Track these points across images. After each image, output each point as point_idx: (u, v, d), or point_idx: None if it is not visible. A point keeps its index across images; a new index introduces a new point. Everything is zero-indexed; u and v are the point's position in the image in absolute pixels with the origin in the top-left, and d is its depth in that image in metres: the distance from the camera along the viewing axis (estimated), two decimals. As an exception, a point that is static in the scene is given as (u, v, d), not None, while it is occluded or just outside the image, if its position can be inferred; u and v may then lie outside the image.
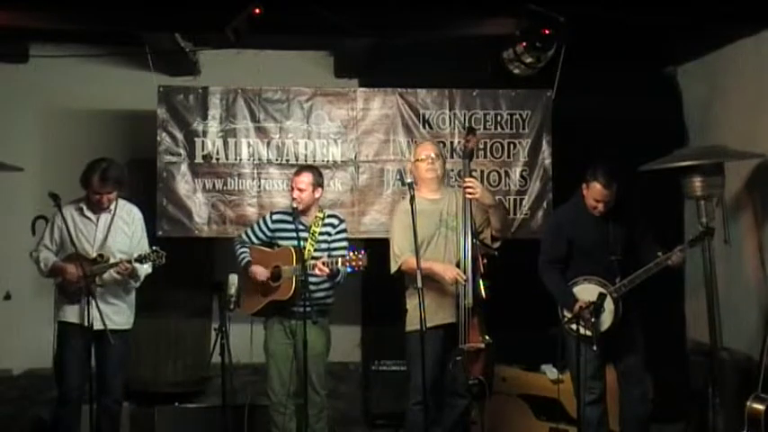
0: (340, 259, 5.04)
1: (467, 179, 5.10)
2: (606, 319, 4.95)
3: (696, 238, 5.07)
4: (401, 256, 5.06)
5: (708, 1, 5.32)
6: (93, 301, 4.86)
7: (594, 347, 4.91)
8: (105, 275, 5.07)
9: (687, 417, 5.99)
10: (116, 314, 5.16)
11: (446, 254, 5.09)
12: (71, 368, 5.08)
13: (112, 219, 5.16)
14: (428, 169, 5.16)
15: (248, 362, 5.45)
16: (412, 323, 5.03)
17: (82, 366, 5.06)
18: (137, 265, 5.05)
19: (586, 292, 4.99)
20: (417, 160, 5.23)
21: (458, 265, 5.02)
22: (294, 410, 5.29)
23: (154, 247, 5.08)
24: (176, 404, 5.93)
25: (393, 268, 5.13)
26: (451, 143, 6.12)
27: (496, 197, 5.92)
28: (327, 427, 5.35)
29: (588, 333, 4.92)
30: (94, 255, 5.08)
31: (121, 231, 5.19)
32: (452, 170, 5.93)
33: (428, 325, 4.82)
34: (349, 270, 5.06)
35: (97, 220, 5.18)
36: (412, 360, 5.06)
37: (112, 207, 5.19)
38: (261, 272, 5.20)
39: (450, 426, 5.16)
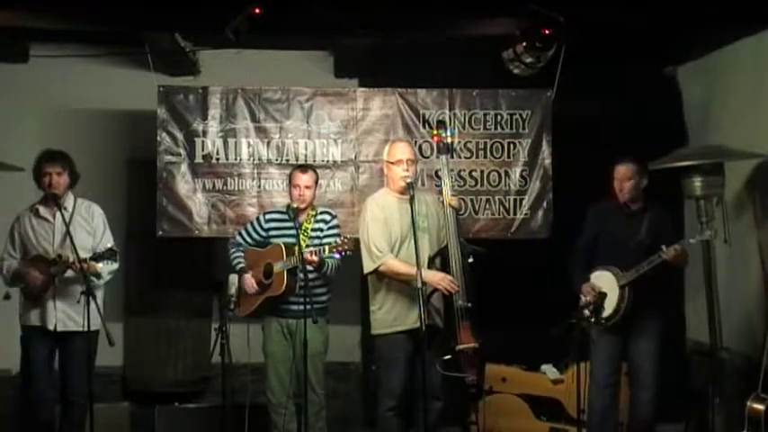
0: (327, 246, 5.01)
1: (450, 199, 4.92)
2: (608, 307, 5.04)
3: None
4: (381, 256, 4.79)
5: (708, 1, 5.32)
6: (53, 303, 4.92)
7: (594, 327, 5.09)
8: (68, 274, 5.00)
9: (687, 417, 5.99)
10: (79, 314, 5.02)
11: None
12: (38, 371, 5.09)
13: (71, 217, 5.09)
14: (403, 176, 4.83)
15: (248, 362, 5.44)
16: (379, 327, 4.92)
17: (49, 368, 5.10)
18: (95, 263, 4.98)
19: (601, 278, 5.12)
20: (392, 162, 4.91)
21: (430, 264, 4.85)
22: (294, 411, 5.29)
23: (110, 245, 4.98)
24: (176, 404, 5.93)
25: (369, 267, 4.84)
26: (451, 143, 6.11)
27: (496, 197, 6.07)
28: (326, 426, 5.34)
29: (592, 318, 5.05)
30: (53, 256, 5.03)
31: (81, 228, 5.13)
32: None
33: (399, 329, 4.80)
34: (337, 256, 4.98)
35: (53, 218, 5.13)
36: (382, 364, 4.92)
37: (69, 205, 5.14)
38: (249, 285, 5.24)
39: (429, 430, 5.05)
